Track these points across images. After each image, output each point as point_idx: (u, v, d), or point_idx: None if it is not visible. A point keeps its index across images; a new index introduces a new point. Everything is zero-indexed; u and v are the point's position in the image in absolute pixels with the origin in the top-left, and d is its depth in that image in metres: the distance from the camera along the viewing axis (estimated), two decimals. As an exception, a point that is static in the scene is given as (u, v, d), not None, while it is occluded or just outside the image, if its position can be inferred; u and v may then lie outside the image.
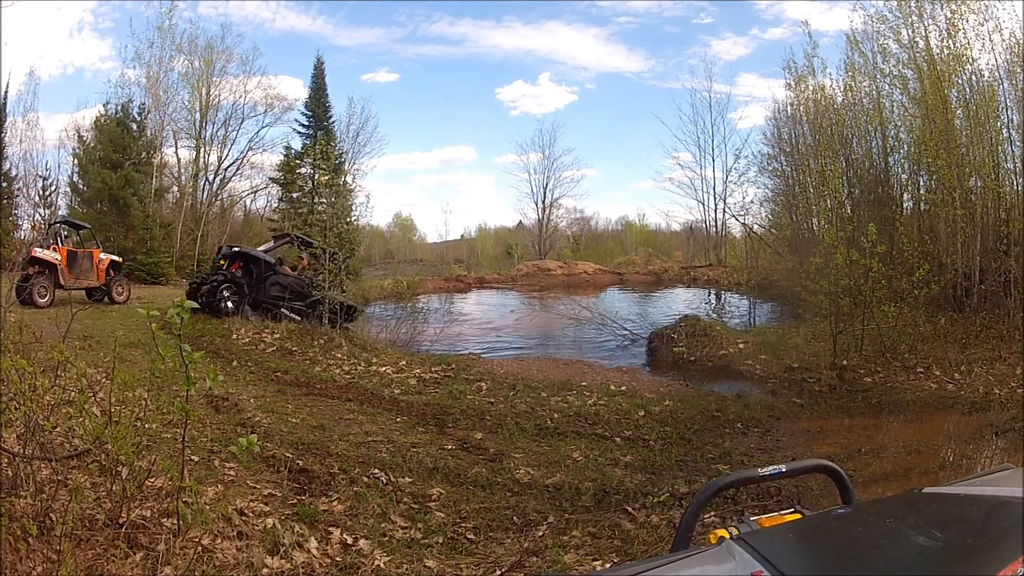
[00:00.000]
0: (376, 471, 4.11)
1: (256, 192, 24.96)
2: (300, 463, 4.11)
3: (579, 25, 37.57)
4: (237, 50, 23.51)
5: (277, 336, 9.18)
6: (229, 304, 10.36)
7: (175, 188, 23.40)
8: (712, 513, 3.23)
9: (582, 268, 25.11)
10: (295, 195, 24.34)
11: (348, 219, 20.73)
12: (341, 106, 28.07)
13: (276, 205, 24.88)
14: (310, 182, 23.98)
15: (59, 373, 3.67)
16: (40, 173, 20.84)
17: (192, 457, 3.59)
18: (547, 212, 30.66)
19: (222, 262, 11.09)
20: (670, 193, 29.74)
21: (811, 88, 14.24)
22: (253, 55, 23.71)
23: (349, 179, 24.09)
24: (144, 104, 21.63)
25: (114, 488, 2.64)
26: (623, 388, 6.82)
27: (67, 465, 2.80)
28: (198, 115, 22.75)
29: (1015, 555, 0.77)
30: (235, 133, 23.55)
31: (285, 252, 12.97)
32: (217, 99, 23.13)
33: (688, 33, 33.93)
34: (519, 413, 5.84)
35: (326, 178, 22.24)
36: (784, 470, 1.16)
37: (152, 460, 2.83)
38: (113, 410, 2.83)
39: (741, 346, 9.17)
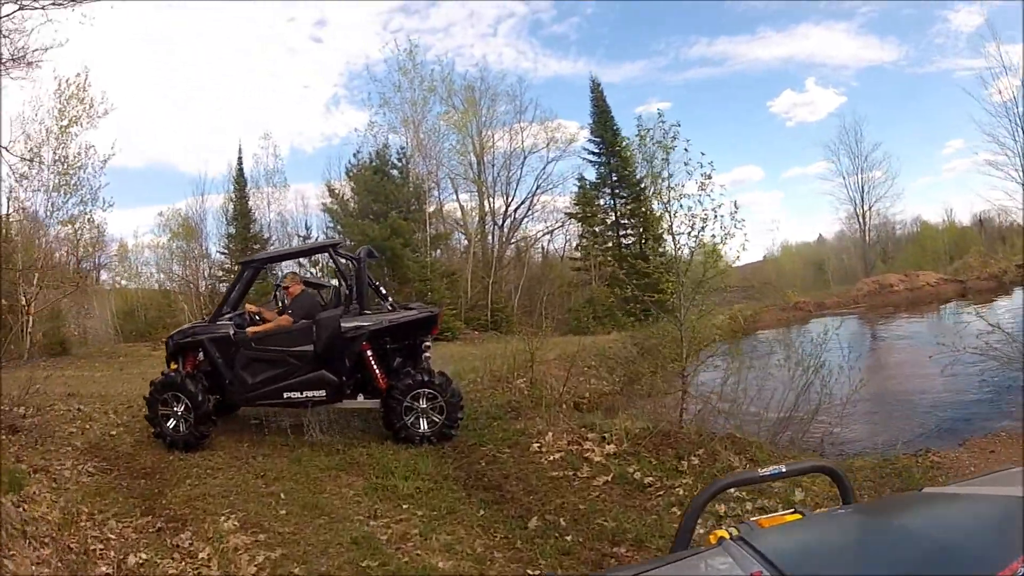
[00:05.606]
0: None
1: (552, 231, 23.63)
2: None
3: (828, 23, 35.98)
4: (501, 87, 22.61)
5: (612, 449, 5.28)
6: (181, 427, 6.00)
7: (459, 235, 23.18)
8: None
9: (924, 279, 22.45)
10: (597, 229, 22.09)
11: (718, 260, 17.18)
12: (629, 130, 25.72)
13: (577, 242, 22.98)
14: (612, 214, 21.51)
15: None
16: (299, 233, 21.13)
17: None
18: (867, 219, 27.66)
19: (173, 366, 6.39)
20: (984, 178, 28.29)
21: None
22: (520, 88, 22.56)
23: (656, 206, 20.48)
24: (403, 148, 20.75)
25: None
26: None
27: None
28: (472, 157, 22.47)
29: (1015, 555, 0.79)
30: (519, 172, 22.68)
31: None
32: (492, 140, 22.64)
33: (923, 12, 32.66)
34: None
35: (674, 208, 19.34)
36: (784, 470, 1.23)
37: None
38: None
39: None
